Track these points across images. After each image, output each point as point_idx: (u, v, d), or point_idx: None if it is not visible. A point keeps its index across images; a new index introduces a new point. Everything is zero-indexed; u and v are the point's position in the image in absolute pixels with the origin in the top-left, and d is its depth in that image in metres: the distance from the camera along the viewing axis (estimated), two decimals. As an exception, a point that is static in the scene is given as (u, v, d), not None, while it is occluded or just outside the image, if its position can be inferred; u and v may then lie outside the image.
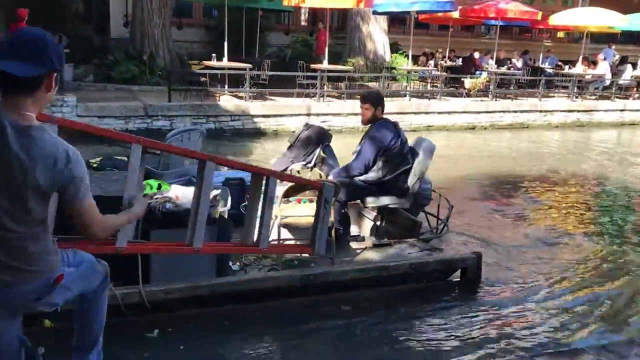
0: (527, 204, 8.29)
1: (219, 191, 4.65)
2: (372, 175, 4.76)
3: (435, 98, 14.81)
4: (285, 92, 13.61)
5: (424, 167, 4.86)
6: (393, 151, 4.75)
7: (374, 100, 4.86)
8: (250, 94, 12.94)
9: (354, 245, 4.98)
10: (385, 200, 4.88)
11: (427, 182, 5.40)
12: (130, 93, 13.31)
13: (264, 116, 12.59)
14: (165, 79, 12.99)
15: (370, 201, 4.90)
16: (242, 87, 13.04)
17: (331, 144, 5.67)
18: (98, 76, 14.11)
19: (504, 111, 15.02)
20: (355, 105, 13.27)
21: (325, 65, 14.15)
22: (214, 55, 13.74)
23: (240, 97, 13.12)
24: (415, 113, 14.00)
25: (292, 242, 4.21)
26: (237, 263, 4.49)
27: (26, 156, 1.94)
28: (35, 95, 1.98)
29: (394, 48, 18.65)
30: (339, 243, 4.73)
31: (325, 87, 14.22)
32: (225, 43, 13.48)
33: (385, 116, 5.01)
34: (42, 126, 2.02)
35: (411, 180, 4.84)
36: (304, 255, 4.43)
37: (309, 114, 13.03)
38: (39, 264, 2.14)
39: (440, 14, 17.30)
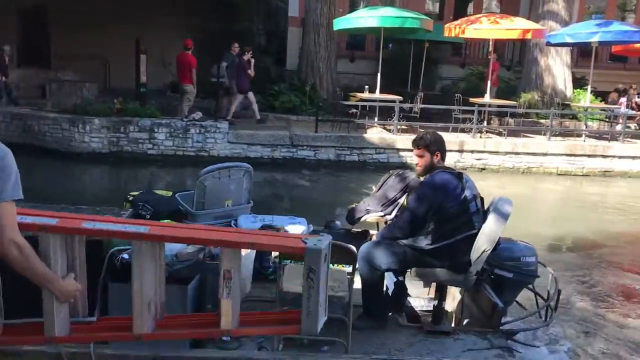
0: None
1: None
2: (419, 239, 3.38)
3: (616, 140, 12.14)
4: (439, 127, 12.18)
5: (494, 236, 3.31)
6: (450, 211, 3.31)
7: (428, 144, 3.47)
8: (398, 127, 11.80)
9: (404, 328, 3.60)
10: (435, 275, 3.43)
11: (532, 254, 3.74)
12: (286, 122, 13.03)
13: (410, 150, 11.28)
14: (322, 110, 12.45)
15: (416, 273, 3.48)
16: (390, 120, 11.97)
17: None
18: (263, 105, 14.07)
19: None
20: (516, 143, 11.63)
21: (486, 99, 12.42)
22: (366, 87, 12.89)
23: (389, 130, 12.04)
24: (588, 155, 11.60)
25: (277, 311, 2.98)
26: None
27: None
28: None
29: (580, 83, 15.97)
30: (379, 324, 3.43)
31: (485, 122, 12.49)
32: (379, 75, 12.54)
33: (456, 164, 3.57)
34: None
35: (475, 252, 3.33)
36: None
37: (461, 151, 11.51)
38: None
39: (638, 45, 14.38)
